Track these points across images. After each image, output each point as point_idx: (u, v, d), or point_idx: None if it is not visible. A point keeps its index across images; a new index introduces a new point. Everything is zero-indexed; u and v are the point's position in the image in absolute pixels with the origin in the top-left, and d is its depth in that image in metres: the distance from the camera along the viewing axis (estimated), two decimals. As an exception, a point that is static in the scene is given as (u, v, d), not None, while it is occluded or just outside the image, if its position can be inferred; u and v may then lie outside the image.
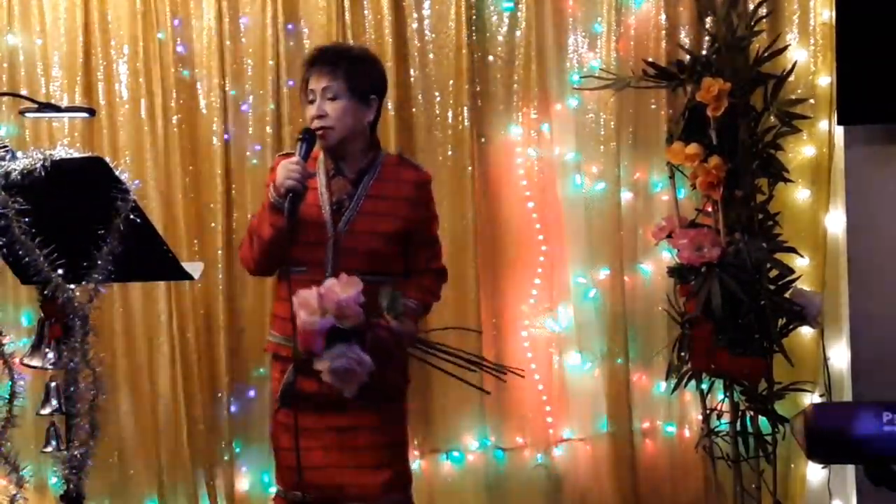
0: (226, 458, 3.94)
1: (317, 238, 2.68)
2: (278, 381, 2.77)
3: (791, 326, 3.35)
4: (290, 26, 3.94)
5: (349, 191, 2.73)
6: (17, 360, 2.42)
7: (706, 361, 3.25)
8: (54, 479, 3.70)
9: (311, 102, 2.71)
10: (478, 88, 3.93)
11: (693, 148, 3.21)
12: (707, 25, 3.48)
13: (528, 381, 3.95)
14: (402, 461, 2.83)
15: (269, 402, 2.88)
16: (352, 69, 2.70)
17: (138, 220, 2.35)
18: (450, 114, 3.94)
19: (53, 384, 2.51)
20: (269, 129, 3.95)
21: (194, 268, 2.79)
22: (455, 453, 3.98)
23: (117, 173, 2.34)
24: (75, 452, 2.45)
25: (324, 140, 2.69)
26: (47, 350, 2.46)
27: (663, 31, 3.83)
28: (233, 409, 3.95)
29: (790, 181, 3.45)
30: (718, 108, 3.16)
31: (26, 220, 2.26)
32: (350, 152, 2.74)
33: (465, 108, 3.91)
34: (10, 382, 2.33)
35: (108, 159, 2.56)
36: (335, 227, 2.69)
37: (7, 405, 2.33)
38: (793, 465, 3.79)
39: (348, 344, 2.51)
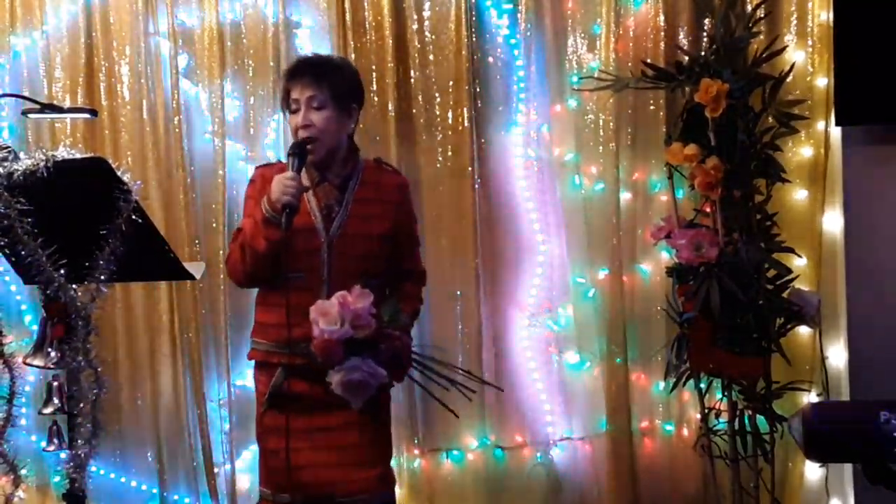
0: (227, 457, 3.96)
1: (310, 244, 2.71)
2: (265, 384, 2.79)
3: (789, 326, 3.36)
4: (290, 27, 3.95)
5: (336, 196, 2.76)
6: (19, 360, 2.43)
7: (705, 361, 3.26)
8: (56, 479, 3.72)
9: (294, 112, 2.73)
10: (478, 89, 3.94)
11: (692, 148, 3.22)
12: (705, 26, 3.50)
13: (527, 380, 3.98)
14: (388, 459, 2.88)
15: (255, 406, 2.88)
16: (336, 79, 2.73)
17: (140, 221, 2.37)
18: (450, 115, 3.95)
19: (56, 384, 2.53)
20: (270, 130, 3.97)
21: (196, 268, 2.80)
22: (455, 452, 4.00)
23: (119, 174, 2.35)
24: (77, 452, 2.46)
25: (313, 153, 2.71)
26: (50, 350, 2.48)
27: (662, 33, 3.83)
28: (234, 408, 3.97)
29: (788, 181, 3.46)
30: (717, 109, 3.17)
31: (29, 220, 2.27)
32: (334, 160, 2.77)
33: (465, 108, 3.92)
34: (9, 381, 2.34)
35: (109, 160, 2.58)
36: (327, 232, 2.73)
37: (7, 404, 2.34)
38: (790, 464, 3.80)
39: (363, 357, 2.52)
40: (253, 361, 2.91)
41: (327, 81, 2.71)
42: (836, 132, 3.72)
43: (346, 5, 3.90)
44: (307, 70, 2.74)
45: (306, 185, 2.70)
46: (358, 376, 2.50)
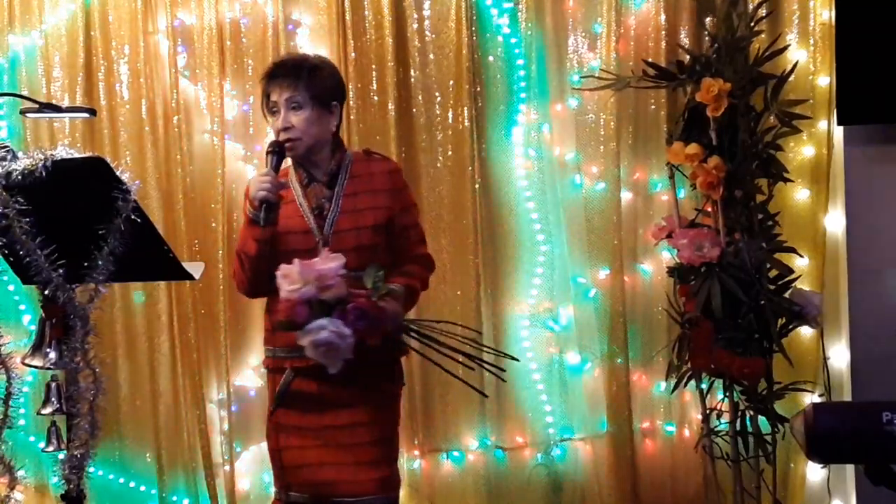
0: (226, 457, 3.95)
1: (305, 245, 2.71)
2: (276, 383, 2.80)
3: (791, 326, 3.34)
4: (290, 27, 3.95)
5: (326, 194, 2.77)
6: (17, 360, 2.42)
7: (706, 361, 3.25)
8: (55, 479, 3.70)
9: (274, 114, 2.74)
10: (478, 88, 3.93)
11: (693, 148, 3.22)
12: (707, 26, 3.49)
13: (528, 381, 3.97)
14: (394, 460, 2.87)
15: (266, 405, 2.88)
16: (313, 78, 2.73)
17: (139, 220, 2.36)
18: (450, 114, 3.94)
19: (54, 384, 2.52)
20: (269, 130, 3.96)
21: (195, 268, 2.79)
22: (455, 453, 3.99)
23: (118, 173, 2.34)
24: (75, 452, 2.45)
25: (292, 151, 2.73)
26: (48, 350, 2.46)
27: (663, 32, 3.83)
28: (233, 408, 3.96)
29: (790, 181, 3.44)
30: (718, 109, 3.16)
31: (27, 220, 2.26)
32: (319, 159, 2.78)
33: (465, 108, 3.91)
34: (6, 382, 2.33)
35: (108, 159, 2.57)
36: (321, 231, 2.73)
37: (3, 405, 2.33)
38: (792, 465, 3.79)
39: (329, 317, 2.50)
40: (265, 368, 2.92)
41: (304, 81, 2.71)
42: (838, 132, 3.72)
43: (346, 4, 3.89)
44: (284, 71, 2.74)
45: (283, 181, 2.71)
46: (325, 335, 2.47)
